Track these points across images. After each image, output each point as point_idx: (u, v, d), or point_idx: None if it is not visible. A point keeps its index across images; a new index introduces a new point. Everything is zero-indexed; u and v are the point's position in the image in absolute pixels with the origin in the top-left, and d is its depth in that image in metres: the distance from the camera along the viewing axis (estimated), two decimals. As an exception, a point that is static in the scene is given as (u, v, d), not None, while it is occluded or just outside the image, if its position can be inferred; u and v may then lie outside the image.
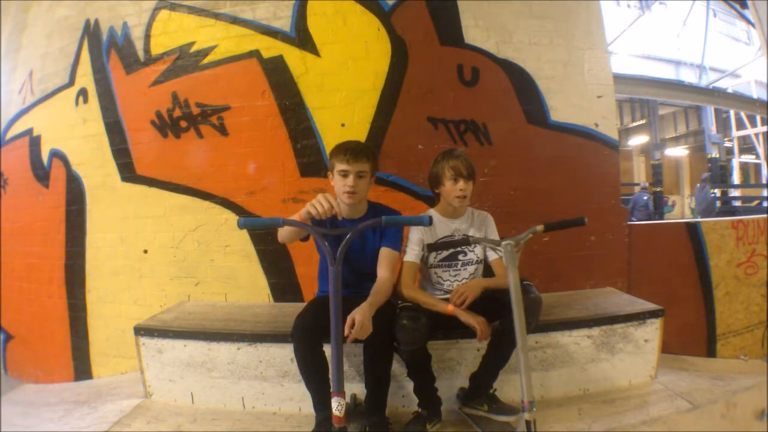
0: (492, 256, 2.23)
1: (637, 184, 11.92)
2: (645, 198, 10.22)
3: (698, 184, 10.71)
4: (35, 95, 3.76)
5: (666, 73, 11.98)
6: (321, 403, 1.93)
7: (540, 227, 1.86)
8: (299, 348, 1.92)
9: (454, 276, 2.22)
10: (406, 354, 2.00)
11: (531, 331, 1.77)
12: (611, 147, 3.34)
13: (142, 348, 2.50)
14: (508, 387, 2.26)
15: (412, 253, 2.16)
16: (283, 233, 1.94)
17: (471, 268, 2.23)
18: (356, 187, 2.01)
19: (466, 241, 1.98)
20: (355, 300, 1.90)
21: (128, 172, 3.35)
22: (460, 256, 2.22)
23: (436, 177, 2.18)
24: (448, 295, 2.18)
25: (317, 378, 1.94)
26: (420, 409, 2.10)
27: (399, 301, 2.12)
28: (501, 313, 2.01)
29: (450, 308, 2.03)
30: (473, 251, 2.23)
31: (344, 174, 1.99)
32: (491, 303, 2.10)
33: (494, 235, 2.24)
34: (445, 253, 2.20)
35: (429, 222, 1.73)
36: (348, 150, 1.99)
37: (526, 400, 1.70)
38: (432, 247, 2.11)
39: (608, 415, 2.20)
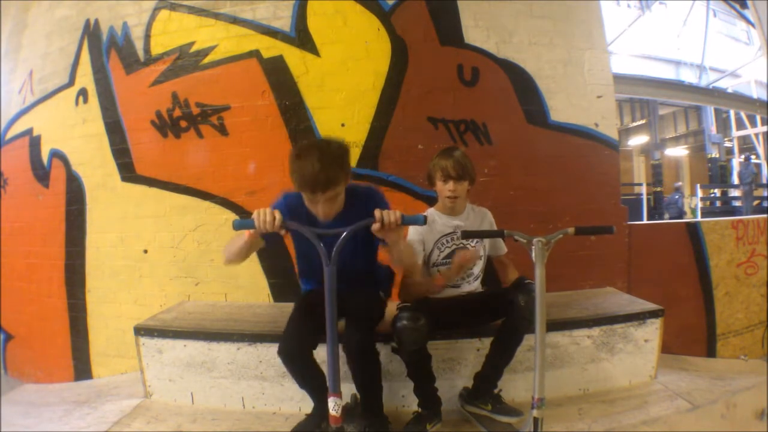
0: (497, 252, 2.24)
1: (648, 184, 12.51)
2: (677, 197, 11.65)
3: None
4: (35, 95, 3.75)
5: (666, 73, 11.99)
6: (320, 401, 1.96)
7: (571, 229, 1.87)
8: (288, 367, 1.94)
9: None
10: (406, 354, 1.99)
11: (532, 331, 1.77)
12: (611, 147, 3.34)
13: (142, 348, 2.50)
14: (509, 387, 2.26)
15: None
16: (232, 250, 1.83)
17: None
18: (331, 206, 1.86)
19: (501, 233, 1.96)
20: (348, 296, 1.82)
21: (128, 172, 3.35)
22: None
23: (430, 175, 2.20)
24: (451, 291, 2.19)
25: (313, 385, 1.96)
26: (420, 409, 2.10)
27: (397, 302, 2.12)
28: (503, 311, 2.02)
29: (439, 279, 2.08)
30: (475, 248, 2.22)
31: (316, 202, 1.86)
32: (493, 302, 2.10)
33: None
34: (447, 251, 2.20)
35: (423, 221, 1.76)
36: (315, 188, 1.76)
37: (537, 396, 1.69)
38: (467, 234, 2.05)
39: (608, 415, 2.20)
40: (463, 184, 2.13)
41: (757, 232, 3.68)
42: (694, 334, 3.52)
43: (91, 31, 3.50)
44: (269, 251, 3.11)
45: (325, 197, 1.78)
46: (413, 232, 2.18)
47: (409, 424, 2.07)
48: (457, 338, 2.31)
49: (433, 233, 2.19)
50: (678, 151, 17.71)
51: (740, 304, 3.66)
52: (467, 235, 2.07)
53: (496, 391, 2.15)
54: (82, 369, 3.56)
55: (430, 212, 2.22)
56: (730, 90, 12.25)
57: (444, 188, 2.13)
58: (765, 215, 3.84)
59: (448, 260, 2.20)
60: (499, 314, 2.07)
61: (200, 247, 3.20)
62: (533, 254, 1.78)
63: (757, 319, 3.74)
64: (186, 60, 3.22)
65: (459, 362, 2.33)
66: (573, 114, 3.28)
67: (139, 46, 3.33)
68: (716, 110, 14.25)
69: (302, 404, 2.31)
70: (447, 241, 2.20)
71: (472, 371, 2.22)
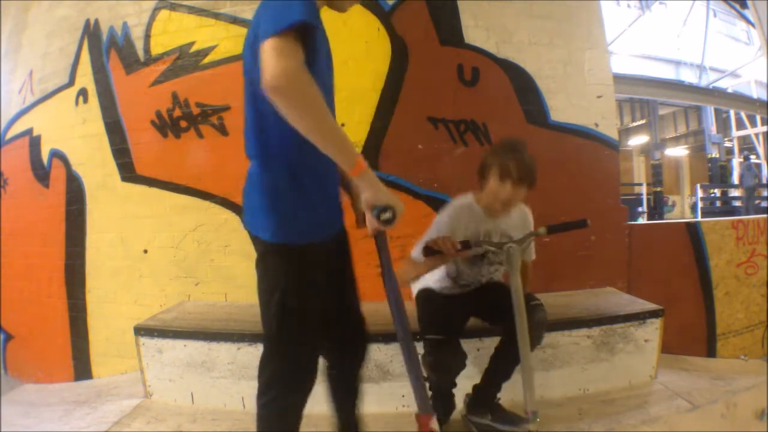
0: (527, 257, 2.07)
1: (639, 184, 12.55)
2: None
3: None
4: (35, 95, 3.75)
5: (666, 73, 12.01)
6: None
7: (543, 229, 1.79)
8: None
9: (488, 272, 2.07)
10: (437, 385, 1.96)
11: (532, 349, 1.73)
12: (611, 147, 3.34)
13: (142, 348, 2.50)
14: (512, 391, 2.24)
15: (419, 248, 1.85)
16: None
17: (497, 264, 2.08)
18: None
19: (467, 243, 1.81)
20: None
21: (128, 172, 3.35)
22: (488, 254, 2.02)
23: (483, 170, 1.86)
24: (467, 289, 2.09)
25: None
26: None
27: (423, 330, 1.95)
28: (502, 318, 1.91)
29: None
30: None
31: None
32: (494, 308, 2.05)
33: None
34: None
35: None
36: None
37: (530, 410, 1.68)
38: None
39: (608, 415, 2.20)
40: (521, 189, 1.81)
41: (757, 232, 3.68)
42: (694, 334, 3.52)
43: (91, 31, 3.50)
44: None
45: None
46: (445, 217, 1.91)
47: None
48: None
49: (475, 229, 1.91)
50: (678, 151, 17.70)
51: (740, 304, 3.66)
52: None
53: (495, 399, 2.13)
54: (82, 369, 3.55)
55: (470, 202, 1.94)
56: (730, 90, 12.27)
57: (499, 189, 1.80)
58: (765, 215, 3.84)
59: (472, 260, 2.03)
60: (498, 321, 1.98)
61: (200, 247, 3.19)
62: (506, 261, 1.71)
63: (757, 319, 3.74)
64: (186, 60, 3.22)
65: (459, 362, 2.33)
66: (573, 114, 3.28)
67: (139, 46, 3.33)
68: (716, 110, 14.27)
69: (302, 404, 2.30)
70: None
71: (473, 371, 2.20)
